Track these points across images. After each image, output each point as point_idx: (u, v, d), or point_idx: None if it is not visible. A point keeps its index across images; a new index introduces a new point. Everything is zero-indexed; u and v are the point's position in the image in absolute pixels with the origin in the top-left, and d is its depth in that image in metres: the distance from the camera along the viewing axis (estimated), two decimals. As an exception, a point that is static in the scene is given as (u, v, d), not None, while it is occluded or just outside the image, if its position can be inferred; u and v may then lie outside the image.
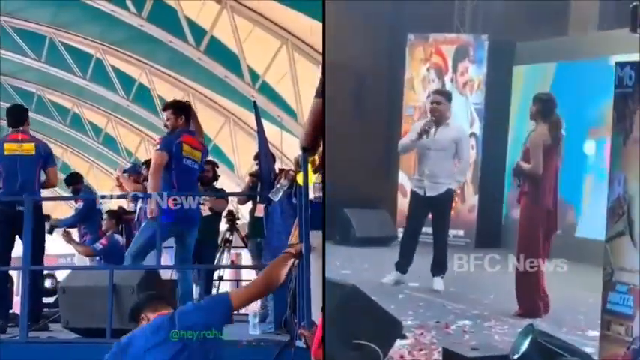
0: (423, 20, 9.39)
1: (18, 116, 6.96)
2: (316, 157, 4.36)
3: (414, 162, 7.50)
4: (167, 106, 7.08)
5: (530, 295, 6.01)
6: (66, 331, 6.21)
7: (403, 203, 8.81)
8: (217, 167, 8.79)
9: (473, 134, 9.26)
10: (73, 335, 6.18)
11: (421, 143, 6.82)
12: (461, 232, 8.96)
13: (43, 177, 6.85)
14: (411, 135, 6.98)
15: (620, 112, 4.36)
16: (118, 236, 8.76)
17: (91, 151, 22.99)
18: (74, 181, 9.48)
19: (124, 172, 8.59)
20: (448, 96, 7.05)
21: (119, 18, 15.02)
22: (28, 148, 6.78)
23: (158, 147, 6.67)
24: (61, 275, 7.61)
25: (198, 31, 14.69)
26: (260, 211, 7.72)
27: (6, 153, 6.71)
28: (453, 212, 9.11)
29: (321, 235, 5.02)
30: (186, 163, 6.61)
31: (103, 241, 8.65)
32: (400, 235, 8.51)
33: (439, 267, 6.75)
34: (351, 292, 4.78)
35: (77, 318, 6.09)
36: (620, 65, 4.43)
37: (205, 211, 7.79)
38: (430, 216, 6.99)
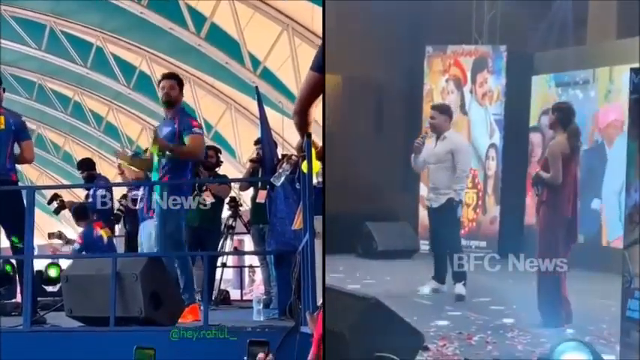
0: (440, 32, 9.42)
1: None
2: (319, 144, 4.41)
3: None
4: (170, 75, 7.14)
5: (552, 305, 5.99)
6: (70, 319, 6.23)
7: (424, 215, 8.82)
8: (220, 153, 8.82)
9: (493, 145, 9.26)
10: (76, 324, 6.21)
11: (425, 159, 7.07)
12: (483, 244, 8.96)
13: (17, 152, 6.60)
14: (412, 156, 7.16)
15: (635, 118, 4.37)
16: (94, 229, 8.67)
17: (92, 140, 23.08)
18: (86, 166, 9.34)
19: None
20: (444, 109, 7.24)
21: (119, 5, 15.09)
22: None
23: (198, 129, 6.80)
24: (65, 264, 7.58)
25: (198, 18, 14.88)
26: (261, 197, 7.73)
27: None
28: (474, 224, 9.21)
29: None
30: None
31: (78, 240, 8.60)
32: (422, 247, 8.58)
33: (457, 275, 6.85)
34: (373, 305, 4.81)
35: (80, 306, 6.10)
36: (635, 72, 4.45)
37: (209, 198, 7.78)
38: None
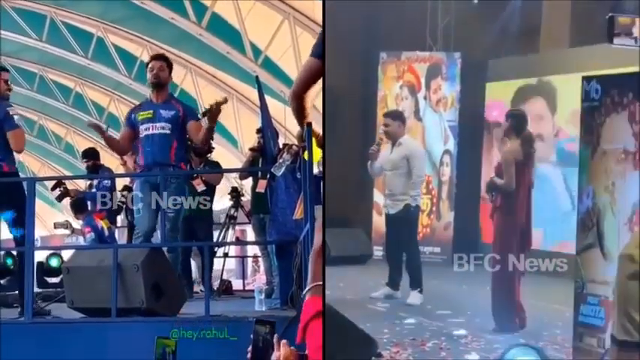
0: (394, 38, 9.44)
1: None
2: (320, 132, 4.38)
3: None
4: (159, 56, 7.10)
5: (506, 311, 6.01)
6: (71, 311, 6.18)
7: (378, 221, 8.81)
8: (212, 139, 8.37)
9: (447, 151, 9.30)
10: (78, 315, 6.16)
11: (380, 165, 7.06)
12: (437, 249, 8.97)
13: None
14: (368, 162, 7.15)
15: (587, 125, 4.39)
16: (93, 220, 8.63)
17: (94, 131, 22.92)
18: (91, 156, 9.17)
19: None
20: (396, 115, 7.26)
21: None
22: None
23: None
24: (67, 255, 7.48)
25: (199, 7, 14.68)
26: (261, 186, 7.67)
27: None
28: (429, 229, 9.23)
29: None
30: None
31: (86, 230, 8.55)
32: (376, 253, 8.56)
33: (413, 281, 6.84)
34: (325, 311, 4.76)
35: (82, 298, 6.06)
36: (587, 80, 4.48)
37: (200, 186, 7.71)
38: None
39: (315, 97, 3.62)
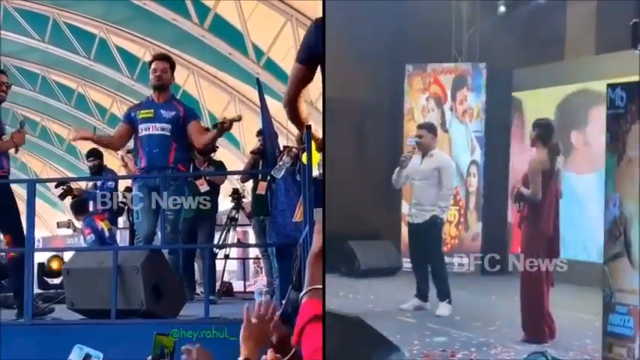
0: (420, 51, 9.46)
1: None
2: (319, 135, 4.41)
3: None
4: (162, 57, 6.99)
5: (536, 321, 5.97)
6: (71, 312, 6.18)
7: (407, 233, 8.81)
8: (214, 149, 8.51)
9: (474, 161, 9.29)
10: (77, 317, 6.16)
11: (408, 175, 7.06)
12: (465, 260, 8.95)
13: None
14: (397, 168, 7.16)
15: (613, 133, 4.39)
16: (94, 222, 8.65)
17: (96, 131, 23.08)
18: (96, 155, 9.16)
19: (129, 152, 8.32)
20: (430, 128, 7.26)
21: None
22: None
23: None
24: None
25: (201, 9, 14.73)
26: (262, 188, 7.69)
27: None
28: (457, 240, 9.22)
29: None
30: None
31: (87, 231, 8.54)
32: (405, 264, 8.57)
33: (441, 292, 6.83)
34: (355, 323, 4.78)
35: (82, 299, 6.06)
36: (612, 87, 4.48)
37: (204, 186, 7.69)
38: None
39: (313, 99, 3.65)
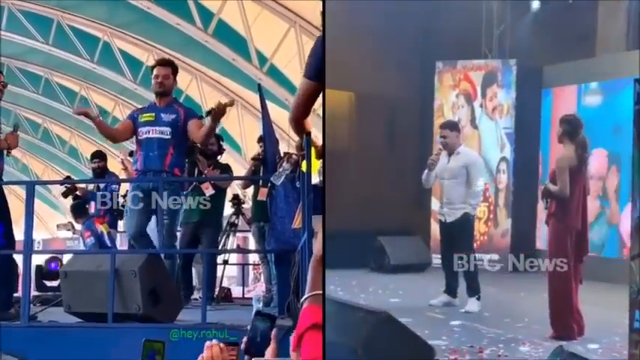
0: (450, 47, 9.50)
1: None
2: (319, 142, 4.45)
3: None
4: (164, 62, 7.10)
5: (564, 318, 5.98)
6: (68, 315, 6.22)
7: (437, 229, 8.86)
8: (222, 140, 8.71)
9: (503, 158, 9.31)
10: (74, 320, 6.19)
11: (437, 174, 7.12)
12: (495, 257, 8.98)
13: None
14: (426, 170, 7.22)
15: (640, 129, 4.39)
16: (93, 225, 8.74)
17: (98, 135, 23.17)
18: (100, 157, 9.32)
19: (130, 154, 8.40)
20: (453, 126, 7.33)
21: (126, 0, 15.04)
22: None
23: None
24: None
25: (206, 14, 14.80)
26: (262, 194, 7.70)
27: None
28: (486, 237, 9.25)
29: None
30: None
31: (86, 234, 8.62)
32: (434, 260, 8.63)
33: (470, 289, 6.88)
34: (384, 319, 4.85)
35: (79, 302, 6.09)
36: (639, 82, 4.47)
37: (209, 190, 7.73)
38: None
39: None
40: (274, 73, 14.89)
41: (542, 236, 8.95)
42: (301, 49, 13.87)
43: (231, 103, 6.82)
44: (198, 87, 17.46)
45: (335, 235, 9.04)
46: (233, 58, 15.22)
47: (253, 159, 8.72)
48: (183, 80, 16.08)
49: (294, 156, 6.73)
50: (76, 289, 6.11)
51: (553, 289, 6.00)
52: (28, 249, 6.30)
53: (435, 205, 9.27)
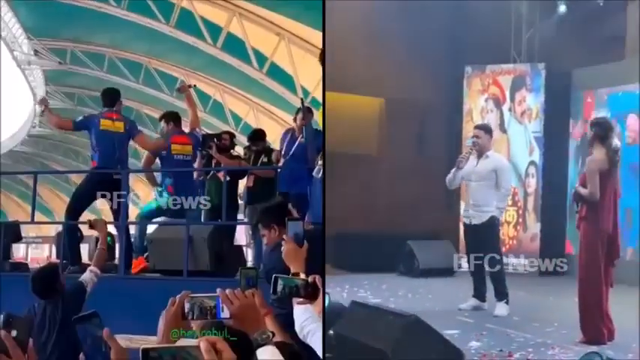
0: (479, 52, 9.53)
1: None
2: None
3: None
4: (159, 118, 8.80)
5: (594, 322, 5.96)
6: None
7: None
8: (234, 137, 9.53)
9: (532, 162, 9.32)
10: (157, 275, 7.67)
11: (463, 176, 7.15)
12: (524, 261, 8.99)
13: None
14: (453, 169, 7.23)
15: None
16: None
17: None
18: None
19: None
20: (487, 129, 7.34)
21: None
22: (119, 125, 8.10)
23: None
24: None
25: (260, 57, 17.47)
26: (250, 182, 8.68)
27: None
28: (515, 241, 9.26)
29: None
30: (177, 158, 8.26)
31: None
32: (463, 264, 8.65)
33: (499, 293, 6.89)
34: (413, 322, 4.90)
35: (161, 262, 7.62)
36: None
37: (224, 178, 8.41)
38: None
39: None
40: (315, 104, 16.12)
41: (571, 240, 8.97)
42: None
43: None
44: (254, 116, 20.46)
45: (365, 240, 9.18)
46: (282, 92, 17.77)
47: (247, 148, 9.15)
48: (242, 110, 20.93)
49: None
50: (159, 252, 7.65)
51: (584, 293, 5.97)
52: (124, 222, 7.89)
53: (463, 208, 9.32)
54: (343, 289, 7.75)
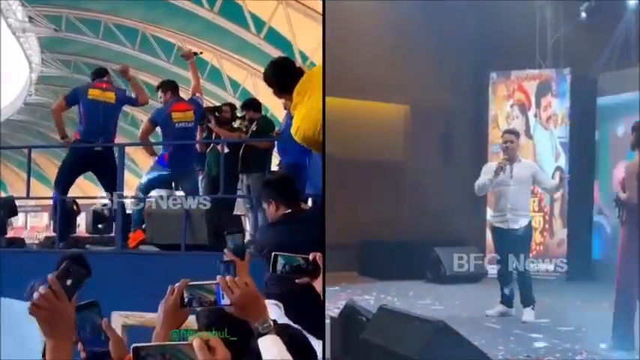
0: (504, 58, 9.52)
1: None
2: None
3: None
4: (156, 87, 8.81)
5: (626, 329, 5.92)
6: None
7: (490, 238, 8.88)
8: (236, 109, 9.69)
9: (559, 168, 9.28)
10: (155, 249, 7.79)
11: (498, 181, 7.18)
12: (551, 267, 8.96)
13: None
14: (486, 175, 7.21)
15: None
16: None
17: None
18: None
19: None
20: (517, 134, 7.46)
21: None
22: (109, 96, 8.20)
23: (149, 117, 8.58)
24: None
25: (258, 21, 17.41)
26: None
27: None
28: (542, 247, 9.23)
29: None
30: (179, 126, 8.21)
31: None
32: (489, 270, 8.64)
33: (526, 298, 6.88)
34: (440, 328, 4.92)
35: (159, 236, 7.76)
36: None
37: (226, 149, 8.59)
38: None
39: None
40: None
41: (599, 245, 8.94)
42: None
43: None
44: (252, 82, 20.05)
45: (392, 247, 9.20)
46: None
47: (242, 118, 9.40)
48: (240, 76, 20.42)
49: None
50: (156, 226, 7.77)
51: (620, 298, 5.92)
52: (120, 198, 8.01)
53: (490, 214, 9.30)
54: (371, 296, 7.79)
